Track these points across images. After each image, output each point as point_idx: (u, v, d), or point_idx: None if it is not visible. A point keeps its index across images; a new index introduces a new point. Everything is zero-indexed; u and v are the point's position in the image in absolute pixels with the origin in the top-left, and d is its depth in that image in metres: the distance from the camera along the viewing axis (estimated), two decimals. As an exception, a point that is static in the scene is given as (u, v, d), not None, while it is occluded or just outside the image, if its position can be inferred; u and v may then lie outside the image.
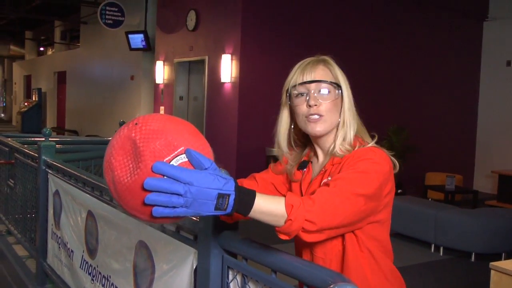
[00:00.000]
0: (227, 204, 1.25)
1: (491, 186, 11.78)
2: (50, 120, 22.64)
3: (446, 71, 11.87)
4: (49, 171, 4.08)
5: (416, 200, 7.64)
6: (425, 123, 11.47)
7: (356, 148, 1.73)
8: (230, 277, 1.82)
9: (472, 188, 11.45)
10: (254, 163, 9.25)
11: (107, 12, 13.30)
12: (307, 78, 1.74)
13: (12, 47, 27.78)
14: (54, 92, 22.38)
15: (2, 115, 30.02)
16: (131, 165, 1.25)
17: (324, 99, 1.73)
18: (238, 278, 1.77)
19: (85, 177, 3.34)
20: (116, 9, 13.38)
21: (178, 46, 11.50)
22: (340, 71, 1.78)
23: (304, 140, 1.89)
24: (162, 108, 12.13)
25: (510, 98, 11.75)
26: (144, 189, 1.21)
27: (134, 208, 1.27)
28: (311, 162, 1.88)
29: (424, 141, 11.09)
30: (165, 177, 1.20)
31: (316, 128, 1.74)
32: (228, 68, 9.70)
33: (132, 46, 13.39)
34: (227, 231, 1.83)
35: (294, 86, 1.77)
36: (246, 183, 1.92)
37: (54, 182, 3.96)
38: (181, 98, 11.72)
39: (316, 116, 1.73)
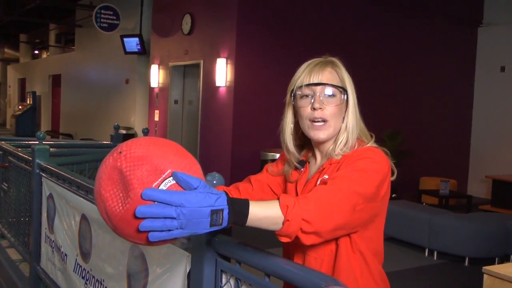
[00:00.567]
0: (222, 219, 1.26)
1: (485, 191, 11.80)
2: (45, 124, 22.59)
3: (440, 76, 11.91)
4: (43, 174, 4.06)
5: (410, 205, 7.66)
6: (420, 128, 11.50)
7: (355, 148, 1.72)
8: (224, 280, 1.81)
9: (466, 193, 11.49)
10: (249, 167, 9.24)
11: (102, 16, 13.29)
12: (314, 80, 1.72)
13: (6, 50, 27.76)
14: (48, 95, 22.34)
15: (-4, 118, 29.97)
16: (121, 195, 1.26)
17: (329, 103, 1.72)
18: (232, 282, 1.77)
19: (79, 180, 3.33)
20: (111, 13, 13.38)
21: (173, 50, 11.50)
22: (347, 74, 1.77)
23: (303, 139, 1.87)
24: (157, 112, 12.13)
25: (504, 104, 11.79)
26: (137, 217, 1.21)
27: (130, 235, 1.28)
28: (309, 162, 1.87)
29: (419, 146, 11.12)
30: (156, 202, 1.20)
31: (319, 135, 1.74)
32: (223, 72, 9.70)
33: (127, 50, 13.38)
34: (220, 235, 1.83)
35: (300, 87, 1.75)
36: (241, 186, 1.92)
37: (48, 186, 3.95)
38: (176, 102, 11.72)
39: (320, 122, 1.72)
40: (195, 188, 1.24)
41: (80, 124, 17.94)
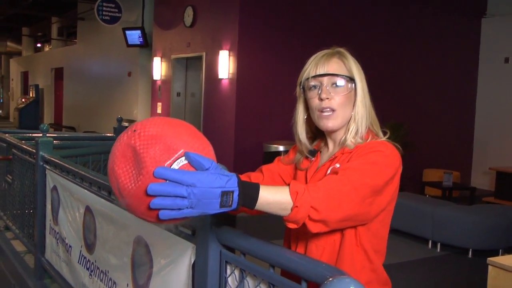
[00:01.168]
0: (232, 201, 1.27)
1: (488, 183, 11.79)
2: (48, 117, 22.60)
3: (444, 67, 11.87)
4: (47, 166, 4.07)
5: (413, 197, 7.66)
6: (423, 120, 11.48)
7: (368, 140, 1.72)
8: (228, 271, 1.82)
9: (469, 185, 11.48)
10: (251, 160, 9.26)
11: (104, 8, 13.28)
12: (320, 71, 1.73)
13: (9, 43, 27.73)
14: (51, 88, 22.36)
15: (0, 111, 29.97)
16: (133, 172, 1.28)
17: (336, 93, 1.72)
18: (236, 272, 1.78)
19: (83, 172, 3.34)
20: (113, 5, 13.36)
21: (176, 43, 11.49)
22: (355, 64, 1.76)
23: (315, 130, 1.88)
24: (159, 104, 12.13)
25: (508, 95, 11.76)
26: (149, 194, 1.22)
27: (142, 212, 1.29)
28: (320, 151, 1.87)
29: (422, 137, 11.11)
30: (168, 181, 1.22)
31: (328, 124, 1.74)
32: (225, 64, 9.69)
33: (129, 43, 13.37)
34: (225, 226, 1.83)
35: (308, 78, 1.76)
36: (253, 175, 1.93)
37: (52, 178, 3.96)
38: (178, 94, 11.71)
39: (328, 111, 1.73)
40: (206, 169, 1.25)
41: (83, 117, 17.95)
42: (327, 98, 1.72)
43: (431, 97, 11.69)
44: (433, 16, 11.63)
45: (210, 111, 10.32)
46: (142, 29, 13.06)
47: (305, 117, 1.84)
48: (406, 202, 7.18)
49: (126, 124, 11.99)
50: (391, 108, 10.43)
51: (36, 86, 21.37)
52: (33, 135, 6.27)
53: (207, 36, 10.39)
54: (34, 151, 4.29)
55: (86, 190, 3.27)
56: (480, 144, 12.34)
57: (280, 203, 1.40)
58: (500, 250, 6.53)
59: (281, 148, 9.01)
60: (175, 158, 1.26)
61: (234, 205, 1.28)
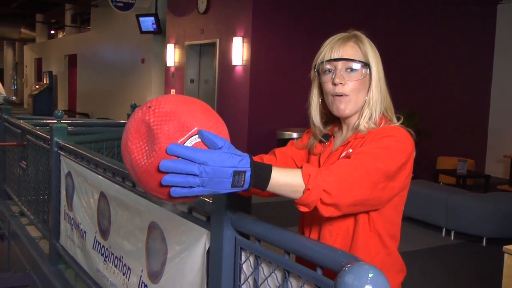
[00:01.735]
0: (244, 181, 1.25)
1: (503, 171, 11.73)
2: (61, 103, 22.71)
3: (458, 54, 11.78)
4: (61, 152, 4.09)
5: (427, 184, 7.63)
6: (437, 107, 11.41)
7: (381, 126, 1.71)
8: (243, 258, 1.82)
9: (484, 173, 11.41)
10: (265, 146, 9.22)
11: (117, -5, 13.28)
12: (335, 55, 1.71)
13: (23, 30, 27.78)
14: (65, 75, 22.44)
15: (14, 98, 30.09)
16: (146, 148, 1.27)
17: (350, 78, 1.70)
18: (251, 259, 1.77)
19: (97, 158, 3.34)
20: (127, -8, 13.36)
21: (189, 29, 11.47)
22: (371, 48, 1.74)
23: (330, 115, 1.85)
24: (173, 91, 12.14)
25: (524, 82, 11.65)
26: (160, 171, 1.22)
27: (153, 189, 1.29)
28: (334, 136, 1.86)
29: (436, 125, 11.05)
30: (180, 158, 1.21)
31: (340, 107, 1.72)
32: (239, 51, 9.67)
33: (143, 29, 13.37)
34: (240, 212, 1.82)
35: (322, 62, 1.73)
36: (266, 158, 1.91)
37: (66, 164, 3.97)
38: (192, 81, 11.71)
39: (341, 96, 1.71)
40: (219, 148, 1.24)
41: (97, 104, 18.01)
42: (341, 83, 1.70)
43: (445, 84, 11.61)
44: (448, 2, 11.52)
45: (223, 98, 10.32)
46: (155, 15, 13.05)
47: (320, 100, 1.83)
48: (420, 190, 7.15)
49: (139, 110, 12.07)
50: (405, 96, 10.35)
51: (50, 72, 21.45)
52: (47, 121, 6.30)
53: (221, 23, 10.36)
54: (48, 137, 4.31)
55: (100, 176, 3.28)
56: (495, 131, 12.25)
57: (292, 185, 1.38)
58: (515, 238, 6.50)
59: (295, 135, 8.99)
60: (188, 135, 1.26)
61: (246, 185, 1.27)
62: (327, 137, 1.86)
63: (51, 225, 4.24)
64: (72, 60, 21.53)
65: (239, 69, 9.82)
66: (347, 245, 1.69)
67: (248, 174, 1.26)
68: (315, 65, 1.77)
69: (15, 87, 31.95)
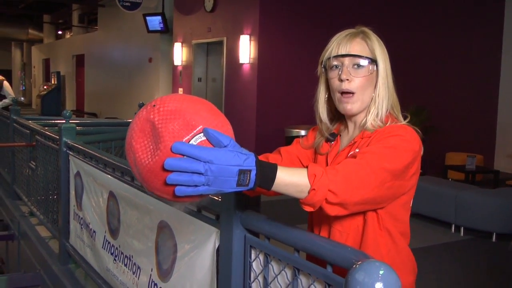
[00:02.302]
0: (249, 180, 1.24)
1: (512, 166, 11.68)
2: (69, 103, 22.78)
3: (466, 49, 11.72)
4: (70, 152, 4.10)
5: (436, 180, 7.60)
6: (446, 103, 11.37)
7: (387, 124, 1.70)
8: (253, 256, 1.82)
9: (493, 168, 11.35)
10: (273, 144, 9.19)
11: (124, -5, 13.30)
12: (342, 51, 1.70)
13: (30, 31, 27.86)
14: (72, 75, 22.50)
15: (22, 98, 30.18)
16: (151, 147, 1.26)
17: (357, 74, 1.69)
18: (261, 257, 1.77)
19: (106, 158, 3.35)
20: (134, -9, 13.38)
21: (196, 28, 11.47)
22: (379, 44, 1.73)
23: (336, 112, 1.84)
24: (180, 89, 12.15)
25: (532, 77, 11.59)
26: (165, 170, 1.21)
27: (157, 188, 1.28)
28: (340, 135, 1.85)
29: (444, 121, 11.01)
30: (185, 156, 1.20)
31: (347, 107, 1.72)
32: (246, 49, 9.67)
33: (150, 29, 13.39)
34: (249, 211, 1.82)
35: (329, 58, 1.72)
36: (271, 157, 1.90)
37: (75, 164, 3.98)
38: (199, 79, 11.72)
39: (348, 94, 1.70)
40: (225, 146, 1.23)
41: (104, 103, 18.06)
42: (347, 80, 1.69)
43: (454, 80, 11.56)
44: (456, -2, 11.47)
45: (231, 96, 10.32)
46: (162, 14, 13.06)
47: (326, 96, 1.82)
48: (429, 186, 7.13)
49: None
50: (414, 92, 10.32)
51: (58, 73, 21.50)
52: (56, 121, 6.32)
53: (228, 21, 10.36)
54: (57, 137, 4.32)
55: (109, 176, 3.29)
56: (504, 127, 12.18)
57: (297, 185, 1.37)
58: (525, 234, 6.47)
59: (302, 132, 8.98)
60: (193, 134, 1.25)
61: (251, 184, 1.26)
62: (334, 136, 1.85)
63: (60, 225, 4.25)
64: (79, 60, 21.58)
65: (246, 67, 9.81)
66: (357, 244, 1.68)
67: (253, 173, 1.25)
68: (322, 61, 1.76)
69: (23, 87, 32.04)
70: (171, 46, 12.61)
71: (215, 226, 2.06)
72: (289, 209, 4.13)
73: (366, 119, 1.73)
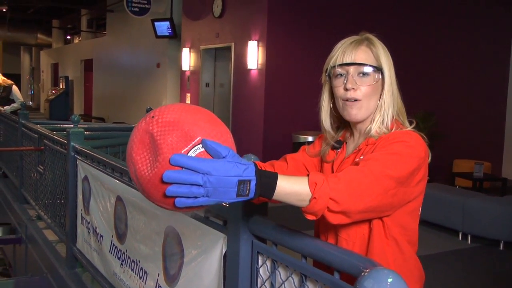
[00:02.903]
0: (249, 190, 1.24)
1: (520, 174, 11.62)
2: (77, 108, 22.86)
3: (474, 56, 11.69)
4: (78, 157, 4.12)
5: (443, 188, 7.58)
6: (453, 110, 11.33)
7: (393, 131, 1.68)
8: (260, 262, 1.82)
9: (500, 176, 11.30)
10: (280, 150, 9.21)
11: (133, 0, 13.33)
12: (347, 59, 1.68)
13: (39, 35, 28.02)
14: (81, 80, 22.60)
15: (30, 102, 30.32)
16: (150, 159, 1.27)
17: (362, 83, 1.68)
18: (268, 263, 1.77)
19: (113, 163, 3.36)
20: (142, -3, 13.42)
21: (204, 33, 11.50)
22: (384, 51, 1.72)
23: (341, 120, 1.83)
24: (188, 95, 12.17)
25: (541, 84, 11.54)
26: (164, 182, 1.21)
27: (158, 199, 1.28)
28: (346, 142, 1.84)
29: (452, 127, 10.97)
30: (184, 168, 1.20)
31: (352, 113, 1.70)
32: (254, 55, 9.68)
33: (158, 34, 13.43)
34: (256, 216, 1.82)
35: (334, 66, 1.71)
36: (277, 164, 1.90)
37: (83, 168, 4.00)
38: (207, 85, 11.74)
39: (353, 101, 1.69)
40: (223, 157, 1.23)
41: (112, 108, 18.11)
42: (353, 89, 1.68)
43: (461, 86, 11.53)
44: (464, 4, 11.44)
45: (239, 101, 10.33)
46: (171, 20, 13.10)
47: (330, 104, 1.81)
48: (436, 193, 7.11)
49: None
50: (421, 98, 10.31)
51: (66, 77, 21.53)
52: (64, 126, 6.35)
53: (236, 27, 10.38)
54: (65, 141, 4.34)
55: (117, 180, 3.29)
56: (512, 134, 12.14)
57: (298, 193, 1.36)
58: (532, 242, 6.44)
59: (310, 138, 8.97)
60: (192, 145, 1.25)
61: (251, 195, 1.26)
62: (340, 143, 1.84)
63: (68, 229, 4.27)
64: (88, 65, 21.66)
65: (254, 73, 9.82)
66: (364, 253, 1.66)
67: (253, 183, 1.25)
68: (327, 69, 1.75)
69: (32, 92, 32.20)
70: (179, 51, 12.64)
71: (222, 232, 2.06)
72: (296, 215, 4.12)
73: (371, 126, 1.71)
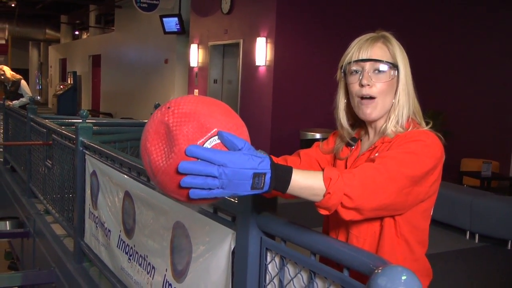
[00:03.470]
0: (264, 183, 1.24)
1: (528, 173, 11.57)
2: (85, 103, 22.92)
3: (482, 54, 11.63)
4: (86, 152, 4.12)
5: (451, 187, 7.54)
6: (461, 108, 11.29)
7: (409, 130, 1.67)
8: (269, 259, 1.81)
9: (508, 175, 11.27)
10: (288, 147, 9.23)
11: (141, -4, 13.35)
12: (363, 56, 1.67)
13: (47, 31, 28.10)
14: (89, 75, 22.65)
15: (39, 97, 30.39)
16: (165, 149, 1.26)
17: (378, 80, 1.67)
18: (277, 260, 1.77)
19: (122, 158, 3.36)
20: (151, -7, 13.43)
21: (213, 29, 11.50)
22: (400, 49, 1.71)
23: (356, 117, 1.81)
24: (196, 91, 12.18)
25: (550, 84, 11.47)
26: (179, 173, 1.21)
27: (172, 190, 1.28)
28: (361, 140, 1.83)
29: (460, 126, 10.93)
30: (199, 160, 1.20)
31: (367, 112, 1.69)
32: (262, 51, 9.67)
33: (167, 30, 13.43)
34: (265, 213, 1.82)
35: (349, 63, 1.70)
36: (290, 159, 1.89)
37: (91, 163, 4.00)
38: (215, 81, 11.74)
39: (368, 99, 1.68)
40: (239, 149, 1.22)
41: (120, 104, 18.14)
42: (368, 85, 1.66)
43: (469, 85, 11.48)
44: (476, 4, 11.38)
45: (247, 98, 10.32)
46: (179, 16, 13.10)
47: (345, 102, 1.80)
48: (443, 192, 7.03)
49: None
50: (429, 97, 10.23)
51: (74, 73, 21.65)
52: (72, 121, 6.36)
53: (245, 23, 10.37)
54: (74, 136, 4.34)
55: (125, 175, 3.30)
56: (520, 133, 12.08)
57: (313, 188, 1.36)
58: (540, 242, 6.41)
59: (318, 135, 8.97)
60: (208, 137, 1.24)
61: (266, 188, 1.25)
62: (354, 140, 1.83)
63: (75, 223, 4.27)
64: (96, 61, 21.71)
65: (262, 70, 9.82)
66: (374, 251, 1.66)
67: (268, 176, 1.24)
68: (342, 65, 1.74)
69: (40, 87, 32.28)
70: (187, 47, 12.65)
71: (231, 228, 2.06)
72: (304, 212, 4.11)
73: (386, 125, 1.70)
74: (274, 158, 1.74)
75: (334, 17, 9.88)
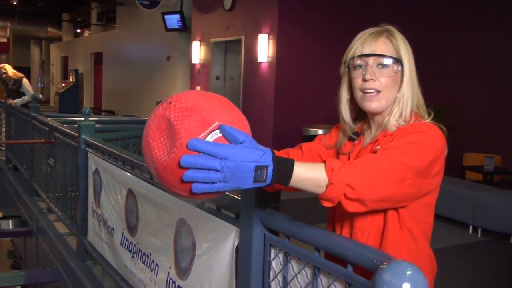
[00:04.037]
0: (266, 176, 1.23)
1: (531, 168, 11.54)
2: (87, 101, 22.92)
3: (485, 49, 11.62)
4: (89, 150, 4.12)
5: (454, 181, 7.54)
6: (464, 103, 11.27)
7: (411, 122, 1.67)
8: (272, 255, 1.81)
9: (511, 169, 11.25)
10: (290, 143, 9.14)
11: (143, -7, 13.34)
12: (366, 50, 1.67)
13: (49, 29, 28.10)
14: (90, 73, 22.65)
15: (40, 96, 30.40)
16: (167, 144, 1.26)
17: (381, 74, 1.66)
18: (280, 256, 1.77)
19: (124, 155, 3.36)
20: (153, -10, 13.42)
21: (215, 26, 11.49)
22: (404, 43, 1.70)
23: (359, 111, 1.82)
24: (198, 88, 12.18)
25: (553, 78, 11.44)
26: (181, 167, 1.21)
27: (174, 185, 1.28)
28: (363, 134, 1.82)
29: (462, 120, 10.90)
30: (201, 153, 1.20)
31: (371, 105, 1.69)
32: (265, 48, 9.67)
33: (168, 27, 13.43)
34: (269, 209, 1.82)
35: (353, 57, 1.69)
36: (292, 152, 1.89)
37: (94, 161, 4.00)
38: (217, 78, 11.73)
39: (372, 92, 1.67)
40: (241, 142, 1.22)
41: (122, 101, 18.14)
42: (372, 79, 1.66)
43: (471, 79, 11.47)
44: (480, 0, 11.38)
45: (249, 94, 10.32)
46: (181, 13, 13.09)
47: (349, 96, 1.79)
48: (446, 186, 7.02)
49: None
50: (432, 92, 10.20)
51: (76, 70, 21.65)
52: (75, 118, 6.36)
53: (247, 20, 10.36)
54: (76, 134, 4.34)
55: (128, 173, 3.30)
56: (523, 127, 12.05)
57: (315, 179, 1.35)
58: (543, 236, 6.41)
59: (320, 131, 8.96)
60: (209, 130, 1.24)
61: (268, 180, 1.25)
62: (357, 135, 1.82)
63: (78, 221, 4.28)
64: (98, 58, 21.71)
65: (264, 66, 9.81)
66: (378, 244, 1.66)
67: (270, 169, 1.24)
68: (346, 60, 1.74)
69: (42, 85, 32.28)
70: (189, 44, 12.64)
71: (234, 225, 2.05)
72: (307, 208, 4.12)
73: (389, 119, 1.70)
74: (275, 151, 1.74)
75: (336, 13, 9.87)
